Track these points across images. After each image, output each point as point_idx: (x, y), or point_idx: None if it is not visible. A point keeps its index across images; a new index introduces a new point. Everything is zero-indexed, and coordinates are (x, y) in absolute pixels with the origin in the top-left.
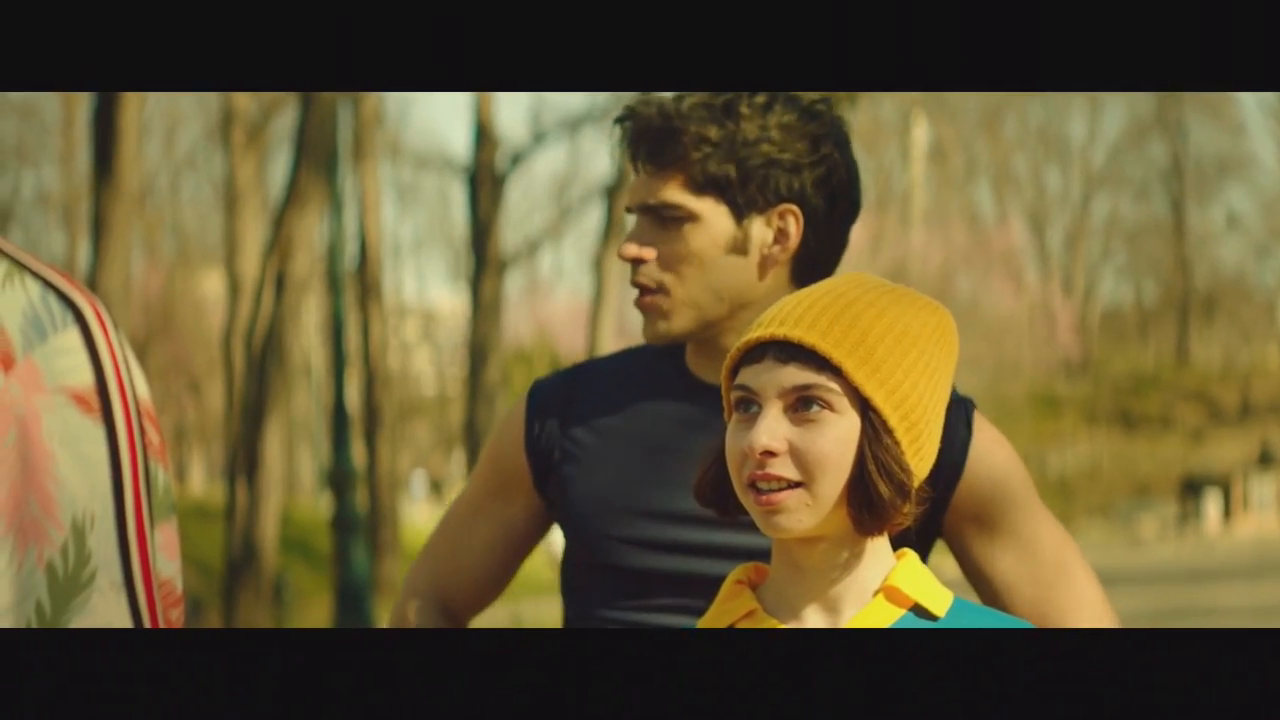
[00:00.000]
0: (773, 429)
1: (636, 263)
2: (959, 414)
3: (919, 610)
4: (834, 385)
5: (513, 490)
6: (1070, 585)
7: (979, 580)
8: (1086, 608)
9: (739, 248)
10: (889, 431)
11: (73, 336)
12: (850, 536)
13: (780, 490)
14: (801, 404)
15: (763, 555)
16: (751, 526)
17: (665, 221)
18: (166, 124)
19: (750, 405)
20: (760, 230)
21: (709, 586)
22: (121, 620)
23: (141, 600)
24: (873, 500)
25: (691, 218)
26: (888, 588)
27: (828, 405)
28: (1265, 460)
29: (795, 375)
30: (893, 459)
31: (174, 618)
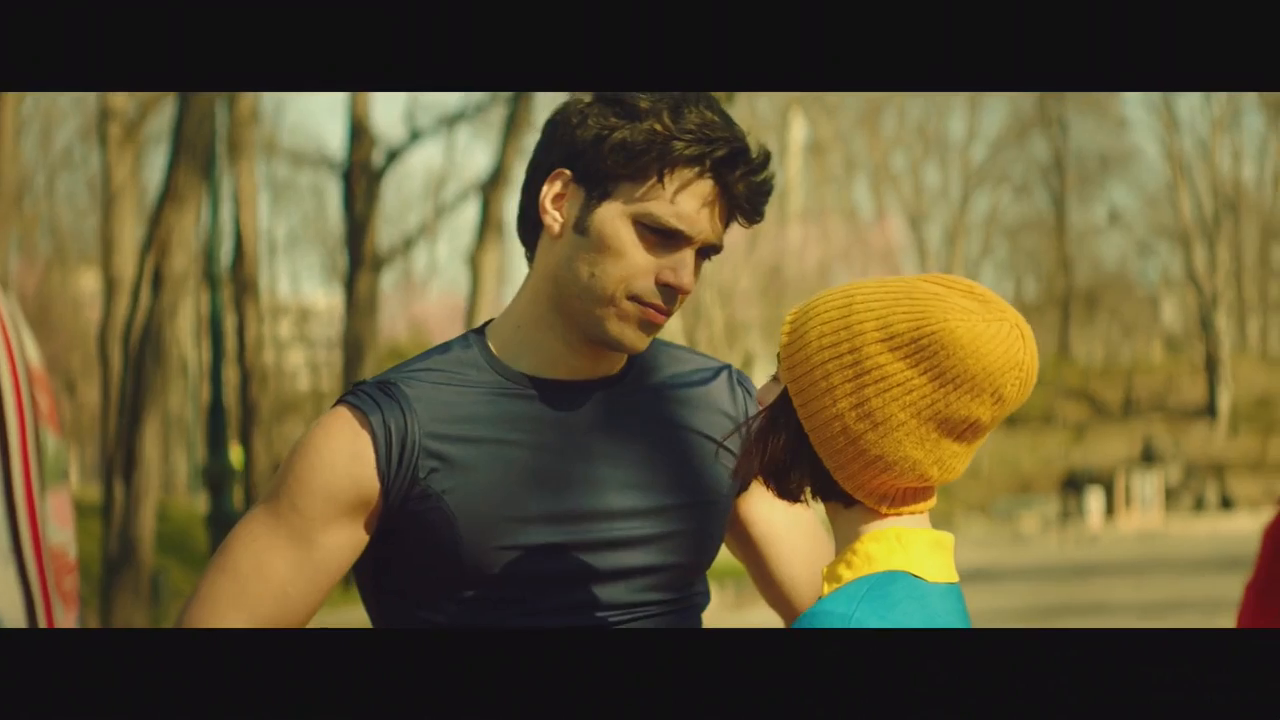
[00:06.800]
0: None
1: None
2: (745, 385)
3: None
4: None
5: (352, 517)
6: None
7: (759, 535)
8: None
9: None
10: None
11: None
12: (839, 518)
13: None
14: None
15: (647, 541)
16: (632, 516)
17: (699, 259)
18: (43, 122)
19: None
20: None
21: (599, 581)
22: (9, 589)
23: (31, 568)
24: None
25: None
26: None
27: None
28: (1148, 457)
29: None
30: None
31: (67, 585)
